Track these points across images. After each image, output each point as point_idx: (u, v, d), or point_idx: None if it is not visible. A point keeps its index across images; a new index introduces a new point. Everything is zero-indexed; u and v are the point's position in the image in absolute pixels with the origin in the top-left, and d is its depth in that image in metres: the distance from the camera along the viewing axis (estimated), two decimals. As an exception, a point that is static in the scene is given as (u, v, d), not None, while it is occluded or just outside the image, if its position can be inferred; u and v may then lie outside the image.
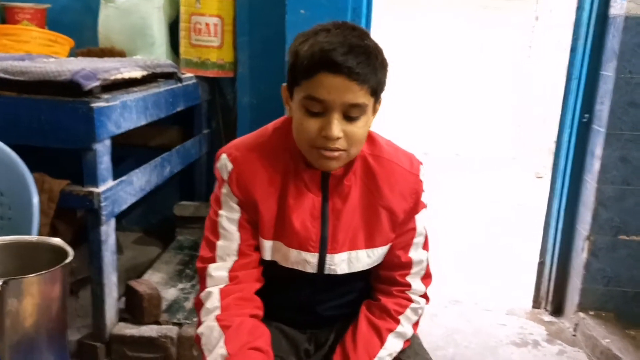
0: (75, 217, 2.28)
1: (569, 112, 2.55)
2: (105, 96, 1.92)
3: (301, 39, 1.00)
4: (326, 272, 1.10)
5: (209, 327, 1.00)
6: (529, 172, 5.25)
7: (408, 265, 1.15)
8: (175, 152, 2.53)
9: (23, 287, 0.80)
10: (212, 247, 1.08)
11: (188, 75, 2.64)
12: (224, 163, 1.08)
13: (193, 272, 2.61)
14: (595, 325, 2.37)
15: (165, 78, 2.42)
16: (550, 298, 2.69)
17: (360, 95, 0.96)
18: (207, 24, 2.61)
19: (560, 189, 2.61)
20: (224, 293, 1.04)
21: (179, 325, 2.18)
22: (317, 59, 0.94)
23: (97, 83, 1.86)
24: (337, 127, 0.96)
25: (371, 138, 1.12)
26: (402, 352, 1.17)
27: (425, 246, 1.18)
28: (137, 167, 2.21)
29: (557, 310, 2.67)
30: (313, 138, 0.98)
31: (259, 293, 1.11)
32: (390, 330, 1.13)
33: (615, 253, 2.42)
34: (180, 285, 2.48)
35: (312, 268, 1.09)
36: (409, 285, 1.16)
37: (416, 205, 1.13)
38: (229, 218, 1.07)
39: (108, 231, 2.01)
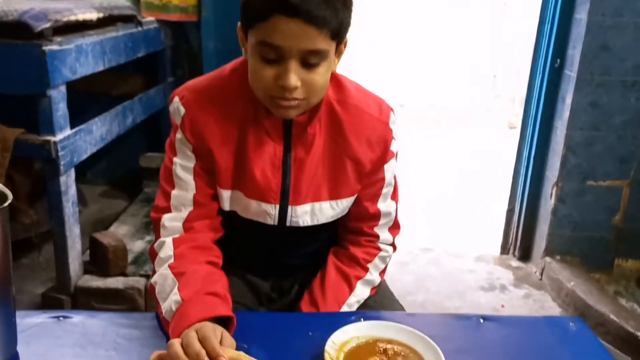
0: (32, 168, 2.19)
1: (541, 57, 2.52)
2: (59, 39, 1.81)
3: None
4: (288, 224, 1.05)
5: (163, 276, 0.95)
6: (503, 123, 5.25)
7: (376, 216, 1.11)
8: (137, 101, 2.43)
9: (-44, 232, 0.75)
10: (167, 196, 1.02)
11: (149, 19, 2.51)
12: (176, 106, 1.00)
13: (161, 223, 2.56)
14: (561, 269, 2.42)
15: (124, 21, 2.30)
16: (518, 244, 2.73)
17: (319, 41, 0.87)
18: (168, -35, 2.47)
19: (531, 136, 2.61)
20: (177, 242, 0.99)
21: (146, 277, 2.14)
22: (272, 1, 0.86)
23: (47, 24, 1.75)
24: (294, 76, 0.88)
25: (338, 82, 1.04)
26: (369, 298, 1.16)
27: (394, 196, 1.13)
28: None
29: (525, 255, 2.71)
30: (269, 87, 0.91)
31: (220, 241, 1.07)
32: (359, 278, 1.11)
33: (582, 199, 2.44)
34: (148, 238, 2.43)
35: (272, 220, 1.05)
36: (377, 236, 1.13)
37: (384, 155, 1.06)
38: (183, 166, 1.01)
39: (68, 182, 1.94)
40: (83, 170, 3.05)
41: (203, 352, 0.77)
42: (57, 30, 1.83)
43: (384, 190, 1.10)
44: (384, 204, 1.11)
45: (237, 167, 1.01)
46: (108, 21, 2.17)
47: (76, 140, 1.93)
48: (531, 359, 0.88)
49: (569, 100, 2.36)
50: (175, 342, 0.79)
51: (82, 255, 2.14)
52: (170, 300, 0.90)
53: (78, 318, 0.97)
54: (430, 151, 4.41)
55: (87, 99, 2.63)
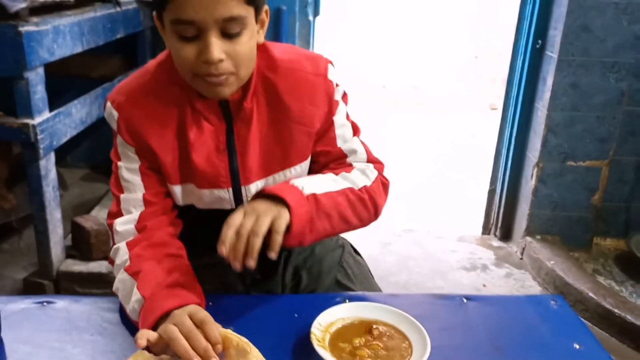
0: (11, 152, 2.16)
1: (522, 38, 2.53)
2: (35, 20, 1.77)
3: None
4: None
5: (122, 280, 0.93)
6: (484, 104, 5.28)
7: (341, 154, 1.05)
8: (117, 83, 2.38)
9: None
10: (117, 201, 0.99)
11: (128, -1, 2.47)
12: (109, 112, 0.97)
13: (143, 207, 2.54)
14: (541, 248, 2.46)
15: (102, 2, 2.25)
16: (499, 224, 2.76)
17: (233, 6, 0.84)
18: (146, -57, 2.42)
19: (512, 117, 2.63)
20: (130, 245, 0.96)
21: (130, 260, 2.13)
22: None
23: (24, 4, 1.71)
24: (217, 49, 0.85)
25: (265, 49, 0.99)
26: (349, 280, 1.15)
27: (356, 133, 1.08)
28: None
29: (506, 235, 2.75)
30: (193, 65, 0.87)
31: (190, 230, 1.05)
32: (336, 174, 1.02)
33: (562, 179, 2.48)
34: (130, 221, 2.42)
35: (229, 204, 1.02)
36: (350, 165, 1.05)
37: (331, 108, 1.02)
38: (128, 168, 0.98)
39: (48, 166, 1.91)
40: (63, 154, 3.01)
41: (209, 346, 0.76)
42: (34, 11, 1.79)
43: (337, 132, 1.05)
44: (346, 144, 1.06)
45: (182, 160, 0.99)
46: (86, 1, 2.12)
47: (55, 124, 1.90)
48: (514, 337, 0.90)
49: (549, 81, 2.38)
50: (172, 328, 0.77)
51: (64, 240, 2.12)
52: (132, 302, 0.88)
53: (62, 303, 0.97)
54: (412, 132, 4.43)
55: (65, 81, 2.59)
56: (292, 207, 0.87)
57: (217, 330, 0.78)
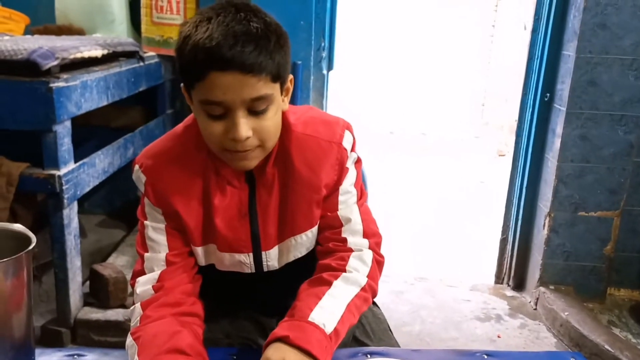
0: (35, 201, 2.21)
1: (531, 91, 2.60)
2: (65, 76, 1.86)
3: (183, 33, 0.89)
4: (265, 269, 1.05)
5: (128, 345, 0.94)
6: (492, 150, 5.34)
7: (337, 222, 1.05)
8: (138, 133, 2.47)
9: (-16, 276, 0.78)
10: (142, 260, 1.02)
11: (150, 54, 2.58)
12: (137, 175, 1.00)
13: (159, 254, 2.57)
14: (555, 298, 2.46)
15: (127, 57, 2.35)
16: (512, 273, 2.76)
17: (260, 87, 0.87)
18: (169, 1, 2.54)
19: (522, 167, 2.67)
20: (144, 305, 0.97)
21: (146, 308, 2.15)
22: (202, 59, 0.84)
23: (55, 62, 1.79)
24: (244, 127, 0.88)
25: (282, 115, 1.00)
26: (366, 336, 1.15)
27: (359, 203, 1.08)
28: (99, 148, 2.16)
29: (519, 285, 2.75)
30: (221, 142, 0.90)
31: (214, 285, 1.07)
32: (336, 277, 1.00)
33: (574, 229, 2.50)
34: (147, 268, 2.45)
35: (249, 268, 1.05)
36: (345, 240, 1.05)
37: (340, 176, 1.03)
38: (155, 228, 1.01)
39: (70, 215, 1.96)
40: (81, 201, 3.06)
41: None
42: (64, 67, 1.88)
43: (340, 198, 1.05)
44: (343, 211, 1.06)
45: (205, 223, 1.01)
46: (111, 57, 2.22)
47: (80, 174, 1.96)
48: (534, 395, 0.91)
49: (559, 132, 2.43)
50: None
51: (82, 287, 2.15)
52: None
53: (92, 356, 1.00)
54: (421, 178, 4.47)
55: (86, 131, 2.67)
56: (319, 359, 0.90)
57: None
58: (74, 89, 1.87)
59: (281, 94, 0.95)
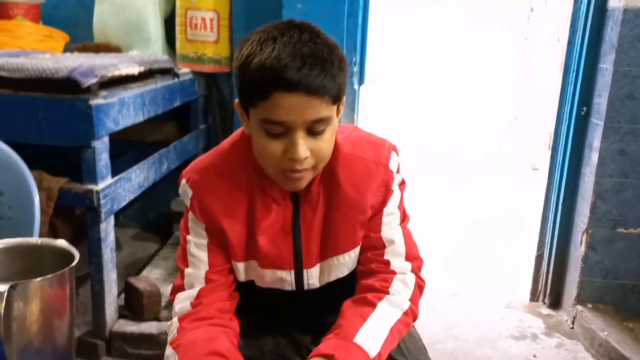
0: (74, 215, 2.26)
1: (566, 105, 2.55)
2: (103, 93, 1.90)
3: (246, 51, 0.89)
4: (306, 287, 1.05)
5: (168, 355, 0.96)
6: (525, 164, 5.26)
7: (381, 245, 1.06)
8: (172, 148, 2.51)
9: (29, 291, 0.80)
10: (182, 274, 1.03)
11: (184, 70, 2.62)
12: (184, 189, 1.02)
13: (192, 268, 2.60)
14: (594, 317, 2.39)
15: (162, 74, 2.40)
16: (548, 291, 2.70)
17: (322, 109, 0.88)
18: (203, 19, 2.59)
19: (558, 182, 2.62)
20: (181, 318, 0.99)
21: (179, 321, 2.17)
22: (269, 79, 0.85)
23: (95, 80, 1.84)
24: (303, 147, 0.89)
25: None
26: (400, 354, 1.12)
27: (402, 224, 1.09)
28: (133, 163, 2.20)
29: (555, 303, 2.68)
30: (278, 161, 0.91)
31: (252, 301, 1.08)
32: (380, 298, 1.02)
33: (613, 246, 2.43)
34: (180, 282, 2.47)
35: (290, 285, 1.05)
36: (387, 263, 1.07)
37: (385, 198, 1.04)
38: (197, 244, 1.02)
39: (107, 229, 2.00)
40: (116, 214, 3.12)
41: None
42: (102, 84, 1.92)
43: (384, 220, 1.06)
44: (387, 232, 1.07)
45: (249, 239, 1.02)
46: (147, 74, 2.27)
47: (117, 189, 2.00)
48: (578, 420, 0.89)
49: (596, 147, 2.38)
50: None
51: (117, 300, 2.19)
52: None
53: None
54: (453, 194, 4.42)
55: (121, 146, 2.72)
56: None
57: None
58: (112, 106, 1.92)
59: (336, 115, 0.96)
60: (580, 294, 2.49)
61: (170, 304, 1.04)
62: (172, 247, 2.80)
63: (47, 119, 1.82)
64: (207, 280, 1.01)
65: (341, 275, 1.08)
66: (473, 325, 2.50)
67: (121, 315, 2.18)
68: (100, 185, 1.91)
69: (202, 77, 2.77)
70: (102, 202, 1.90)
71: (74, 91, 1.81)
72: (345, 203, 1.02)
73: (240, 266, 1.04)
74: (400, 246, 1.07)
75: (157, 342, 2.10)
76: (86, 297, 2.22)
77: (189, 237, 1.04)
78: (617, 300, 2.47)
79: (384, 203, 1.05)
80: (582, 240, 2.47)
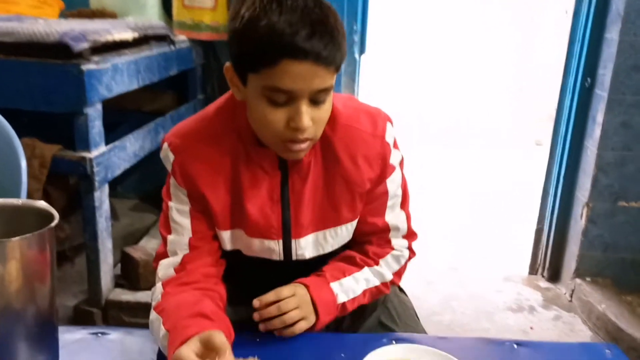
0: (68, 183, 2.25)
1: (571, 76, 2.50)
2: (96, 58, 1.87)
3: (247, 12, 0.84)
4: (294, 258, 1.04)
5: (151, 320, 0.95)
6: (529, 139, 5.21)
7: (385, 229, 1.08)
8: (169, 118, 2.48)
9: (7, 250, 0.78)
10: (165, 242, 1.01)
11: (181, 38, 2.57)
12: (165, 153, 0.99)
13: (189, 238, 2.59)
14: (592, 291, 2.38)
15: (158, 41, 2.36)
16: (547, 264, 2.69)
17: (327, 79, 0.86)
18: (200, -15, 2.53)
19: (560, 156, 2.59)
20: (165, 284, 0.98)
21: (175, 291, 2.17)
22: (278, 45, 0.81)
23: (86, 45, 1.80)
24: (307, 117, 0.86)
25: None
26: (392, 321, 1.14)
27: (403, 206, 1.09)
28: (131, 132, 2.17)
29: (554, 276, 2.67)
30: (280, 131, 0.88)
31: (233, 273, 1.06)
32: (369, 265, 1.07)
33: (613, 219, 2.40)
34: (177, 252, 2.47)
35: (277, 255, 1.03)
36: (389, 241, 1.09)
37: (384, 170, 1.03)
38: (179, 210, 0.99)
39: (102, 197, 1.98)
40: (114, 185, 3.11)
41: None
42: (95, 50, 1.89)
43: (389, 203, 1.06)
44: (392, 216, 1.07)
45: (234, 207, 1.00)
46: (142, 41, 2.23)
47: (111, 157, 1.98)
48: (567, 387, 0.88)
49: (599, 119, 2.33)
50: None
51: (113, 269, 2.18)
52: (160, 338, 0.90)
53: (116, 335, 1.00)
54: (456, 168, 4.39)
55: (119, 115, 2.69)
56: (320, 318, 0.99)
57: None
58: (105, 72, 1.88)
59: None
60: (580, 267, 2.48)
61: (154, 271, 1.03)
62: (170, 218, 2.79)
63: (39, 84, 1.79)
64: (191, 247, 1.00)
65: (336, 247, 1.06)
66: (470, 298, 2.49)
67: (117, 285, 2.18)
68: (94, 153, 1.88)
69: (200, 46, 2.73)
70: (95, 170, 1.88)
71: (65, 56, 1.77)
72: (343, 175, 1.00)
73: (225, 235, 1.02)
74: (403, 230, 1.10)
75: (152, 310, 2.10)
76: (82, 267, 2.22)
77: (170, 203, 1.01)
78: (617, 274, 2.45)
79: (382, 177, 1.03)
80: (582, 213, 2.44)
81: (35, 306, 0.84)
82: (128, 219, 2.93)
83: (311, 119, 0.88)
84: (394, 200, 1.07)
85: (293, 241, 1.02)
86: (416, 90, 5.74)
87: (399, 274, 1.11)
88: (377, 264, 1.07)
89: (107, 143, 1.98)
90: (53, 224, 0.84)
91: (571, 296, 2.50)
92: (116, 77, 1.96)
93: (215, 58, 2.85)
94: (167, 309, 0.93)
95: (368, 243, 1.09)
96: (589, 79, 2.41)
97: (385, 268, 1.08)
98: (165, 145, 1.00)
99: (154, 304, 0.98)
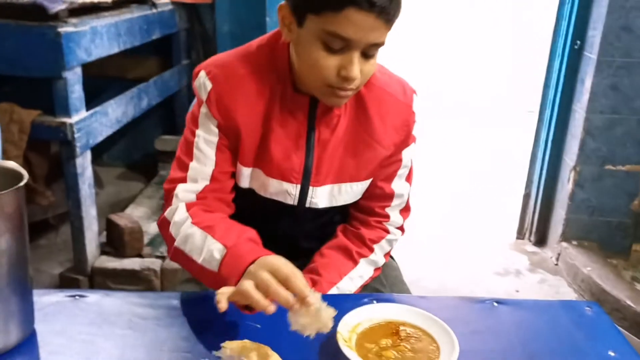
0: (49, 150, 2.21)
1: (560, 39, 2.47)
2: (74, 21, 1.82)
3: None
4: (307, 205, 1.04)
5: (189, 234, 0.93)
6: (522, 108, 5.18)
7: (389, 197, 1.10)
8: (152, 83, 2.44)
9: (-26, 210, 0.76)
10: (184, 167, 1.00)
11: (163, 1, 2.51)
12: (202, 81, 0.98)
13: (176, 206, 2.58)
14: (578, 254, 2.39)
15: (139, 3, 2.30)
16: (534, 229, 2.70)
17: (384, 34, 0.88)
18: (182, -54, 2.46)
19: (549, 120, 2.57)
20: (189, 205, 0.97)
21: (162, 258, 2.17)
22: None
23: (63, 6, 1.75)
24: (357, 67, 0.88)
25: None
26: (379, 283, 1.15)
27: (408, 178, 1.12)
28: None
29: (541, 240, 2.69)
30: (330, 76, 0.89)
31: (245, 220, 1.05)
32: (363, 256, 1.10)
33: (600, 183, 2.41)
34: (163, 219, 2.45)
35: (292, 200, 1.04)
36: (387, 217, 1.12)
37: (407, 139, 1.06)
38: (206, 140, 0.99)
39: (84, 163, 1.95)
40: (100, 153, 3.08)
41: (290, 295, 0.78)
42: (72, 12, 1.84)
43: (399, 172, 1.09)
44: (398, 185, 1.10)
45: (261, 145, 1.00)
46: (122, 3, 2.17)
47: (92, 122, 1.94)
48: (546, 343, 0.88)
49: (588, 82, 2.31)
50: (248, 285, 0.78)
51: (99, 237, 2.17)
52: (208, 250, 0.89)
53: (94, 297, 0.98)
54: (448, 136, 4.37)
55: (103, 82, 2.65)
56: None
57: (303, 283, 0.79)
58: (83, 35, 1.83)
59: None
60: (566, 231, 2.49)
61: (167, 193, 1.01)
62: (157, 186, 2.77)
63: (15, 48, 1.74)
64: (213, 178, 0.99)
65: (349, 202, 1.08)
66: (458, 263, 2.51)
67: (103, 252, 2.17)
68: (74, 119, 1.85)
69: (183, 9, 2.67)
70: (76, 135, 1.85)
71: (42, 18, 1.72)
72: (371, 134, 1.02)
73: (246, 171, 1.02)
74: (403, 202, 1.12)
75: (139, 277, 2.10)
76: (68, 235, 2.21)
77: (198, 131, 1.00)
78: (603, 237, 2.47)
79: (404, 144, 1.06)
80: (570, 177, 2.44)
81: (7, 267, 0.82)
82: (114, 188, 2.91)
83: (360, 71, 0.89)
84: (404, 170, 1.09)
85: (311, 188, 1.03)
86: (409, 62, 5.68)
87: (389, 253, 1.15)
88: (372, 251, 1.10)
89: (89, 109, 1.94)
90: (22, 183, 0.82)
91: (557, 260, 2.51)
92: (95, 40, 1.91)
93: (199, 22, 2.80)
94: (218, 226, 0.93)
95: (368, 213, 1.11)
96: (578, 42, 2.38)
97: (379, 253, 1.11)
98: (203, 73, 0.99)
99: (183, 221, 0.96)
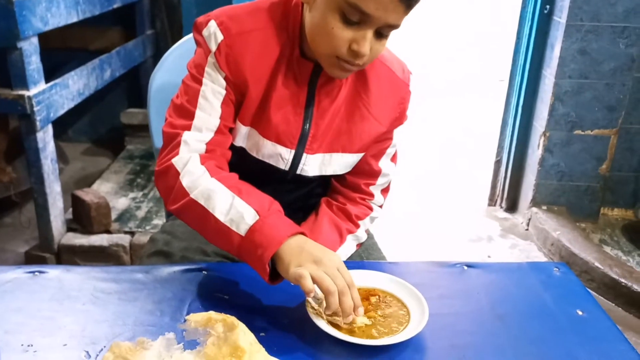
0: (8, 125, 2.13)
1: (530, 4, 2.46)
2: (27, -12, 1.72)
3: None
4: (298, 171, 1.03)
5: (211, 190, 0.88)
6: (494, 77, 5.18)
7: (376, 174, 1.11)
8: (115, 54, 2.36)
9: None
10: (189, 114, 0.95)
11: (124, -33, 2.41)
12: (212, 31, 0.94)
13: (145, 181, 2.53)
14: (547, 218, 2.43)
15: (97, -30, 2.20)
16: (505, 195, 2.73)
17: (402, 17, 0.86)
18: None
19: (519, 86, 2.57)
20: (204, 158, 0.93)
21: (131, 233, 2.13)
22: None
23: (14, -28, 1.66)
24: (369, 45, 0.87)
25: None
26: (356, 253, 1.15)
27: (394, 158, 1.13)
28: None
29: (512, 206, 2.72)
30: (340, 48, 0.87)
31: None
32: (350, 232, 1.09)
33: (569, 148, 2.43)
34: (132, 195, 2.40)
35: (284, 165, 1.02)
36: (372, 195, 1.12)
37: (401, 117, 1.07)
38: (214, 90, 0.95)
39: (45, 138, 1.89)
40: (64, 128, 3.00)
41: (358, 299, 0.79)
42: (26, -21, 1.74)
43: (388, 150, 1.09)
44: (385, 164, 1.10)
45: (261, 105, 0.98)
46: (80, -31, 2.07)
47: (52, 95, 1.87)
48: (515, 304, 0.88)
49: (557, 47, 2.31)
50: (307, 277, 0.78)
51: (65, 214, 2.11)
52: (238, 211, 0.86)
53: (54, 273, 0.95)
54: (422, 110, 4.35)
55: (65, 55, 2.56)
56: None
57: (357, 298, 0.80)
58: (38, 3, 1.75)
59: None
60: (536, 196, 2.52)
61: (168, 137, 0.95)
62: (124, 161, 2.71)
63: (-37, 16, 1.65)
64: (219, 130, 0.96)
65: (337, 172, 1.07)
66: (431, 230, 2.52)
67: (70, 229, 2.12)
68: (33, 91, 1.77)
69: (145, -23, 2.57)
70: (35, 109, 1.77)
71: (-8, -15, 1.63)
72: (369, 108, 1.02)
73: (243, 129, 0.99)
74: (388, 180, 1.13)
75: (108, 254, 2.05)
76: (32, 213, 2.14)
77: (205, 80, 0.95)
78: (571, 201, 2.51)
79: (397, 121, 1.07)
80: (539, 143, 2.46)
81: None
82: (80, 163, 2.84)
83: (370, 49, 0.88)
84: (392, 150, 1.10)
85: (304, 155, 1.01)
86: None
87: (368, 230, 1.15)
88: (357, 227, 1.10)
89: (49, 81, 1.87)
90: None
91: (528, 225, 2.55)
92: (52, 9, 1.83)
93: (162, -10, 2.70)
94: (246, 189, 0.90)
95: (353, 189, 1.11)
96: (547, 6, 2.37)
97: (362, 230, 1.11)
98: (214, 23, 0.94)
99: (201, 173, 0.91)
